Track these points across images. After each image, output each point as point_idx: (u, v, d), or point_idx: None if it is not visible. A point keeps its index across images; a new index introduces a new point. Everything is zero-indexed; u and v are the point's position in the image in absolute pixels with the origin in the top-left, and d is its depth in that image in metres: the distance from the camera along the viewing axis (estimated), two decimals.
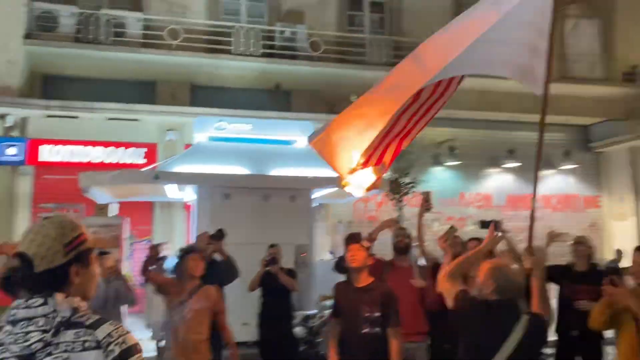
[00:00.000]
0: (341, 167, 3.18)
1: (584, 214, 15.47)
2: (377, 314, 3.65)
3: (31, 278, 1.52)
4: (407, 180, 10.00)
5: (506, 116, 14.14)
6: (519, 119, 14.18)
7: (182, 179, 8.65)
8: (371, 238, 4.34)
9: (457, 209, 14.56)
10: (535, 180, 3.12)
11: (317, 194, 9.65)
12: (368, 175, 3.22)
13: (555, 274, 4.85)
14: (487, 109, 13.99)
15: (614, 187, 15.53)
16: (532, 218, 3.06)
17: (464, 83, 13.98)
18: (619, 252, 11.36)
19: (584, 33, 15.61)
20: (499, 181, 15.12)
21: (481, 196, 15.00)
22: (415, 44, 13.96)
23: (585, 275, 4.91)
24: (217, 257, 6.02)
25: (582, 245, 5.15)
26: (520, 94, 13.64)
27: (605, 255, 13.96)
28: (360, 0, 14.38)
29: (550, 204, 15.25)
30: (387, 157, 3.25)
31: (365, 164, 3.14)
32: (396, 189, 9.75)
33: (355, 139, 3.09)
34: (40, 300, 1.51)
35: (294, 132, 10.08)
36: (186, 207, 11.60)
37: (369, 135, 3.00)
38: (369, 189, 3.31)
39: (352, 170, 3.15)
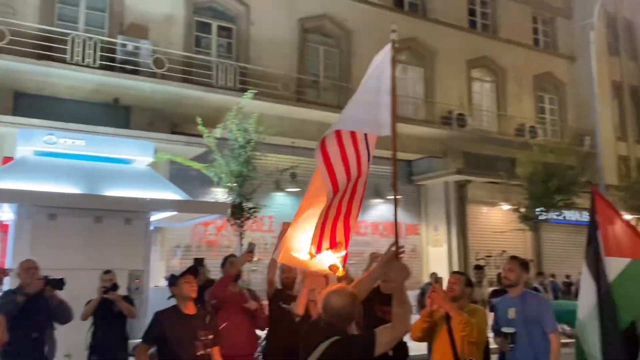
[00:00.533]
0: (303, 263, 3.44)
1: (405, 240, 17.06)
2: (210, 337, 4.00)
3: None
4: (249, 205, 10.12)
5: None
6: None
7: None
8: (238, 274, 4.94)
9: None
10: (395, 208, 3.40)
11: (155, 217, 9.32)
12: (329, 258, 3.48)
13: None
14: None
15: (431, 216, 17.42)
16: (397, 236, 3.22)
17: (307, 114, 14.75)
18: (434, 275, 12.74)
19: (410, 78, 17.49)
20: None
21: None
22: (262, 73, 14.49)
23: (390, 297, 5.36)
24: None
25: None
26: None
27: (423, 278, 15.53)
28: (208, 22, 14.41)
29: (378, 230, 16.58)
30: (340, 238, 3.58)
31: (318, 251, 3.42)
32: (238, 213, 9.82)
33: (301, 235, 3.38)
34: None
35: (132, 151, 9.65)
36: (2, 226, 10.35)
37: (310, 227, 3.28)
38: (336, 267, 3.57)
39: (311, 258, 3.42)
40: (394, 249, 3.13)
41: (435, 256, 16.98)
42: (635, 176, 18.62)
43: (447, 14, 18.07)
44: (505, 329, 4.34)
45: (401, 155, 16.44)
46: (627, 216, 18.29)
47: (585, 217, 18.29)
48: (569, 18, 20.99)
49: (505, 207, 16.20)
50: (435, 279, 10.89)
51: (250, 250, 5.15)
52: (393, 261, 3.09)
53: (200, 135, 10.96)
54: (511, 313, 4.37)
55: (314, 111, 14.37)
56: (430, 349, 4.49)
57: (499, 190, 16.28)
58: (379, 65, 3.62)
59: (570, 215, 17.69)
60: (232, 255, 5.35)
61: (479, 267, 7.50)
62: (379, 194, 16.24)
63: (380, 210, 16.54)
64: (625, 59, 21.94)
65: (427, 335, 4.32)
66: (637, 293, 4.18)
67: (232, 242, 13.73)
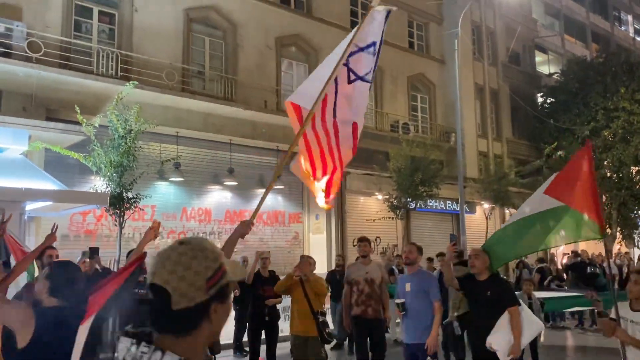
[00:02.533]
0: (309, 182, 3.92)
1: (288, 228, 17.89)
2: None
3: (166, 316, 1.30)
4: (129, 195, 10.20)
5: (227, 138, 15.49)
6: (238, 142, 15.74)
7: None
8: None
9: (179, 223, 15.25)
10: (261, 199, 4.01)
11: (30, 206, 9.14)
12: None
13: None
14: (210, 130, 15.13)
15: (312, 205, 18.37)
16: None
17: (192, 104, 14.93)
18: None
19: (296, 74, 18.24)
20: (218, 197, 16.38)
21: (202, 211, 16.01)
22: (145, 61, 14.45)
23: (267, 280, 7.23)
24: None
25: (265, 256, 7.34)
26: (239, 119, 15.34)
27: None
28: (89, 7, 14.00)
29: (262, 219, 17.21)
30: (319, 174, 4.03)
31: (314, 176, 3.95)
32: (118, 203, 9.87)
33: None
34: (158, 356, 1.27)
35: (4, 139, 9.33)
36: None
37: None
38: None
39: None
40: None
41: (315, 242, 17.97)
42: (492, 170, 20.93)
43: (330, 13, 19.02)
44: (396, 300, 5.60)
45: (285, 147, 17.21)
46: (485, 205, 20.63)
47: (449, 206, 20.35)
48: (440, 24, 22.95)
49: (380, 197, 17.55)
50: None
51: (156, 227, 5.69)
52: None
53: (78, 123, 10.80)
54: (407, 287, 5.62)
55: (199, 102, 14.58)
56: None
57: (374, 182, 17.60)
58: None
59: (436, 204, 19.62)
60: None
61: (364, 240, 7.38)
62: (264, 184, 16.84)
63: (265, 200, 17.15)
64: (487, 64, 24.47)
65: (286, 290, 6.43)
66: (542, 230, 4.70)
67: (113, 232, 13.61)
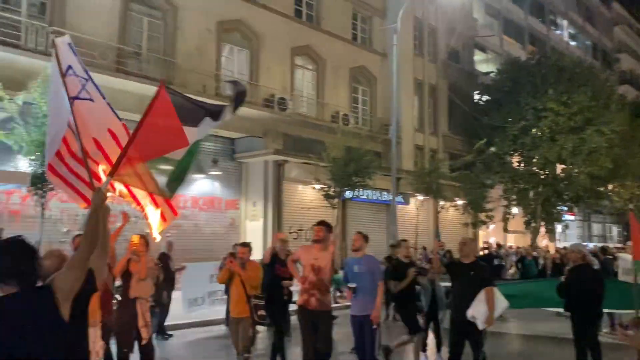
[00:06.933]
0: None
1: (224, 214, 17.89)
2: None
3: None
4: None
5: None
6: None
7: None
8: None
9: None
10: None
11: None
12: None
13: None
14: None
15: (250, 192, 18.45)
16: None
17: (127, 85, 14.65)
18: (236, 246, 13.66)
19: (237, 60, 18.15)
20: None
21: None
22: (78, 39, 13.99)
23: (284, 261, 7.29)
24: None
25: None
26: None
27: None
28: None
29: (198, 204, 17.14)
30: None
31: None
32: (39, 183, 9.60)
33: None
34: None
35: None
36: None
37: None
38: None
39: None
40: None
41: (252, 229, 18.07)
42: (427, 164, 21.59)
43: (274, 0, 19.00)
44: (349, 284, 6.25)
45: (225, 133, 17.17)
46: (419, 197, 21.26)
47: (384, 197, 20.88)
48: (384, 18, 23.34)
49: (317, 186, 17.79)
50: (231, 253, 11.76)
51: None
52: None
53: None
54: (355, 268, 6.26)
55: (135, 83, 14.29)
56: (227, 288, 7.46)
57: (312, 171, 17.81)
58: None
59: (372, 194, 20.11)
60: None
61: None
62: (200, 170, 16.75)
63: (200, 186, 17.08)
64: (427, 60, 25.12)
65: (227, 279, 6.91)
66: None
67: (38, 213, 13.22)
